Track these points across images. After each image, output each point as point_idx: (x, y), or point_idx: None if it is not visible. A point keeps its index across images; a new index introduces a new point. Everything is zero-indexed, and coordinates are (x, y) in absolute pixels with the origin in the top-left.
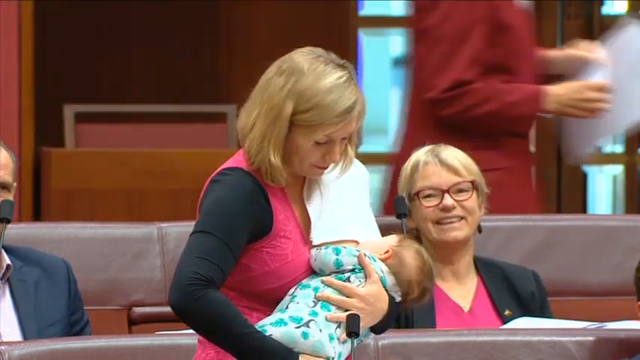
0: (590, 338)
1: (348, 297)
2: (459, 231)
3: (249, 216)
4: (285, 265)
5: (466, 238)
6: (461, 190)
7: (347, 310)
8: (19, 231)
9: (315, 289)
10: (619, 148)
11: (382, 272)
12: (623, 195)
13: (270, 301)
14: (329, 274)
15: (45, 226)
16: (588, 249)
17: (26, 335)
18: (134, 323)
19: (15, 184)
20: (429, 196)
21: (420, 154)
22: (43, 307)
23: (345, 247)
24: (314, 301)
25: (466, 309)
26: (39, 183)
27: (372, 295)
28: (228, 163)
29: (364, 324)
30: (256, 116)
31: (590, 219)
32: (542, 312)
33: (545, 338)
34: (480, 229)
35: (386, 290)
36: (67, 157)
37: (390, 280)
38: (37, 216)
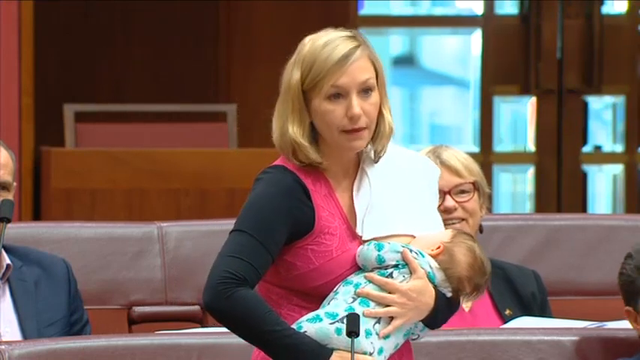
0: (590, 338)
1: (389, 293)
2: None
3: (287, 212)
4: (329, 261)
5: None
6: (462, 192)
7: (387, 306)
8: (19, 230)
9: (356, 286)
10: (619, 148)
11: (431, 268)
12: (623, 194)
13: (319, 298)
14: (372, 270)
15: (45, 226)
16: (588, 248)
17: (26, 335)
18: (134, 323)
19: (15, 183)
20: None
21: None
22: (42, 307)
23: (388, 243)
24: (353, 297)
25: (467, 308)
26: (39, 182)
27: (415, 290)
28: (274, 162)
29: (407, 319)
30: (278, 104)
31: (590, 218)
32: (543, 312)
33: (546, 338)
34: (481, 229)
35: (435, 286)
36: (67, 157)
37: (439, 275)
38: (37, 215)
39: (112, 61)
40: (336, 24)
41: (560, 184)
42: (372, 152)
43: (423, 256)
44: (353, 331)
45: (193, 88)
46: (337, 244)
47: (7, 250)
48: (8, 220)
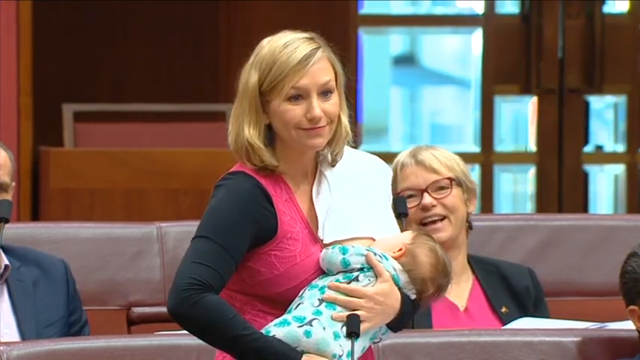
0: (592, 339)
1: (356, 298)
2: (441, 232)
3: (249, 218)
4: (294, 266)
5: (451, 238)
6: (440, 188)
7: (354, 310)
8: (17, 231)
9: (322, 289)
10: (620, 148)
11: (394, 270)
12: (624, 194)
13: (283, 303)
14: (337, 274)
15: (43, 226)
16: (589, 249)
17: (24, 336)
18: (133, 323)
19: (13, 183)
20: (410, 197)
21: (401, 156)
22: (41, 308)
23: (353, 247)
24: (319, 300)
25: (462, 308)
26: (37, 182)
27: (382, 293)
28: (232, 168)
29: (375, 323)
30: (234, 106)
31: (591, 219)
32: (537, 308)
33: (547, 339)
34: (470, 225)
35: (399, 288)
36: (66, 157)
37: (403, 278)
38: (35, 216)
39: (111, 61)
40: (336, 23)
41: (562, 184)
42: (329, 156)
43: (387, 259)
44: (354, 332)
45: (193, 88)
46: (301, 249)
47: (6, 250)
48: (6, 221)
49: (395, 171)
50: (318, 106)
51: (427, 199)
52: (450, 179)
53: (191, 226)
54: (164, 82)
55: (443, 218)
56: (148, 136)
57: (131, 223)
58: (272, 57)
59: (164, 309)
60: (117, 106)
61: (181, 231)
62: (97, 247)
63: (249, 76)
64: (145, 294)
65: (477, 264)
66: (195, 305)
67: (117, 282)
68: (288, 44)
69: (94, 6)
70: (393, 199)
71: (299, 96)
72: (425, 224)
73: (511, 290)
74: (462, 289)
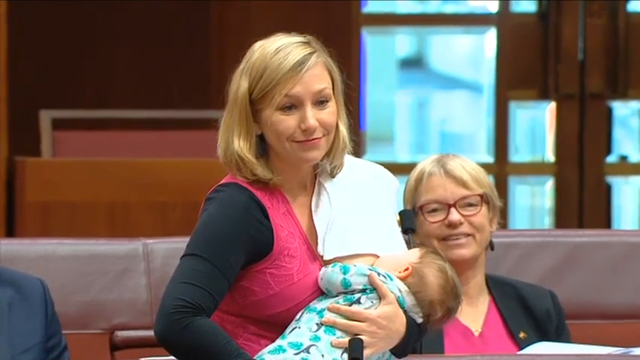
0: None
1: (358, 321)
2: (465, 249)
3: (243, 233)
4: (290, 286)
5: (473, 256)
6: (469, 205)
7: (355, 335)
8: None
9: (320, 313)
10: None
11: (400, 292)
12: None
13: (279, 326)
14: (336, 295)
15: (19, 243)
16: (612, 267)
17: None
18: (117, 348)
19: None
20: (434, 210)
21: (426, 164)
22: (16, 332)
23: (354, 266)
24: (317, 325)
25: (477, 333)
26: (13, 195)
27: (385, 317)
28: (224, 179)
29: (378, 349)
30: (224, 115)
31: (614, 235)
32: (559, 333)
33: None
34: (492, 246)
35: (405, 311)
36: (44, 167)
37: (409, 300)
38: (10, 231)
39: (93, 64)
40: (337, 23)
41: (582, 198)
42: (328, 167)
43: (392, 279)
44: (356, 358)
45: (182, 94)
46: (298, 267)
47: None
48: None
49: (419, 180)
50: (312, 116)
51: (455, 215)
52: (481, 196)
53: (180, 243)
54: (150, 87)
55: (467, 236)
56: (133, 146)
57: (115, 240)
58: (263, 63)
59: (150, 332)
60: (99, 113)
61: (169, 248)
62: (78, 266)
63: (239, 83)
64: (129, 316)
65: (494, 285)
66: (184, 329)
67: (99, 303)
68: (280, 49)
69: (75, 5)
70: (400, 213)
71: (292, 105)
72: (447, 240)
73: (531, 314)
74: (477, 312)
